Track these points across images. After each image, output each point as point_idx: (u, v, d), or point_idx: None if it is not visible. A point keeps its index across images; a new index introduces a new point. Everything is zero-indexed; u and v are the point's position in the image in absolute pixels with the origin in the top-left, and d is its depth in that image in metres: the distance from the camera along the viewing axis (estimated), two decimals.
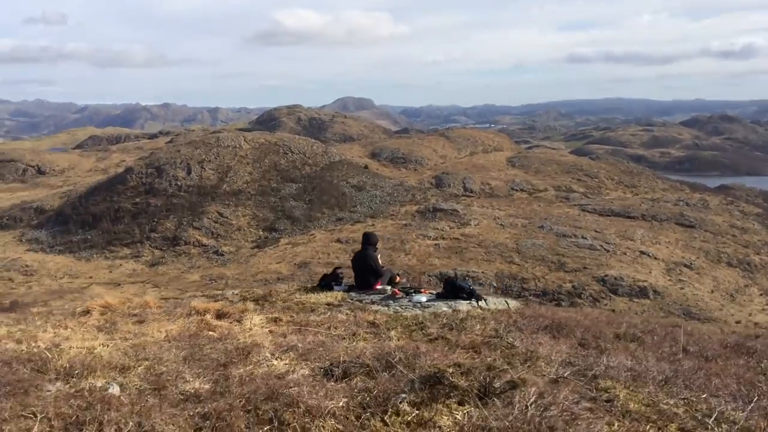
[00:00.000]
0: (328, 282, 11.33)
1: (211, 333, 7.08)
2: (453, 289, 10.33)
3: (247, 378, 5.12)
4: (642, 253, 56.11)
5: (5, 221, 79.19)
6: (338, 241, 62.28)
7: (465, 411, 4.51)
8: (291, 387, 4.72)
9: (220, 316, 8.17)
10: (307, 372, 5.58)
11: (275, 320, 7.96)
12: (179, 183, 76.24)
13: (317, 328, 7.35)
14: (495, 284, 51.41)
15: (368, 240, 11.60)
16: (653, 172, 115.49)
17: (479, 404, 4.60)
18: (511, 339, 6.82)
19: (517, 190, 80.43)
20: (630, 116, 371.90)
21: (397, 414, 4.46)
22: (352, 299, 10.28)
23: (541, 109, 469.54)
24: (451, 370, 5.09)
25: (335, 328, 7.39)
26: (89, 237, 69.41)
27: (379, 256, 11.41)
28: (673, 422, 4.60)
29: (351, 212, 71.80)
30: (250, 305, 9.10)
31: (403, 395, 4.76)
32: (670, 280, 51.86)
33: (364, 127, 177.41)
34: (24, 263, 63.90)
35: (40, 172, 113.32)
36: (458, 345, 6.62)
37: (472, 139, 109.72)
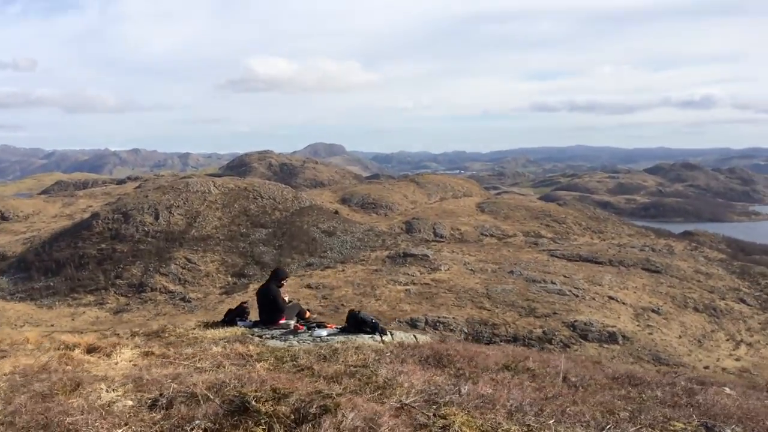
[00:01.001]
0: (232, 317, 11.13)
1: (67, 367, 6.84)
2: (356, 323, 10.24)
3: (34, 409, 5.05)
4: (610, 298, 56.60)
5: None
6: (308, 286, 61.63)
7: None
8: (73, 416, 4.65)
9: (90, 350, 7.94)
10: (131, 403, 5.51)
11: (147, 354, 7.76)
12: (147, 228, 75.18)
13: (185, 361, 7.20)
14: (466, 330, 51.17)
15: (274, 275, 11.53)
16: (619, 218, 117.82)
17: (279, 430, 4.53)
18: (376, 368, 6.77)
19: (486, 236, 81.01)
20: (596, 163, 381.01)
21: None
22: (252, 334, 10.04)
23: (510, 156, 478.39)
24: (259, 395, 4.97)
25: (203, 360, 7.23)
26: (52, 284, 67.64)
27: (282, 291, 11.26)
28: None
29: (321, 257, 71.35)
30: (138, 340, 8.84)
31: (198, 422, 4.67)
32: (638, 325, 52.24)
33: (335, 172, 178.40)
34: None
35: (4, 218, 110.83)
36: (321, 374, 6.57)
37: (442, 185, 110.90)
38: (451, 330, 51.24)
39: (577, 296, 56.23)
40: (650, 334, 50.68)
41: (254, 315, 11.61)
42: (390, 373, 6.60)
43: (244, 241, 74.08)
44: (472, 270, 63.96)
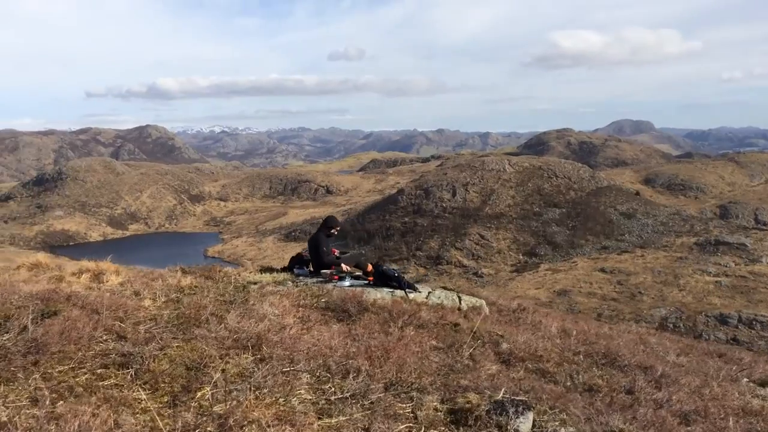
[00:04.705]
0: (292, 265, 11.76)
1: (50, 287, 7.51)
2: (381, 276, 10.44)
3: None
4: None
5: (298, 234, 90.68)
6: (602, 270, 58.98)
7: None
8: None
9: (95, 277, 8.72)
10: None
11: (122, 283, 8.38)
12: (444, 204, 79.49)
13: (120, 290, 7.83)
14: None
15: (324, 223, 11.89)
16: None
17: None
18: (241, 308, 6.86)
19: None
20: None
21: None
22: (294, 279, 10.50)
23: None
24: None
25: (131, 288, 7.83)
26: (364, 252, 75.66)
27: (329, 240, 11.64)
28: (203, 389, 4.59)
29: (618, 240, 67.56)
30: (176, 276, 9.16)
31: None
32: None
33: (640, 151, 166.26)
34: None
35: (328, 191, 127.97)
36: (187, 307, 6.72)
37: None
38: None
39: None
40: None
41: None
42: (259, 315, 6.59)
43: (537, 221, 73.70)
44: None
